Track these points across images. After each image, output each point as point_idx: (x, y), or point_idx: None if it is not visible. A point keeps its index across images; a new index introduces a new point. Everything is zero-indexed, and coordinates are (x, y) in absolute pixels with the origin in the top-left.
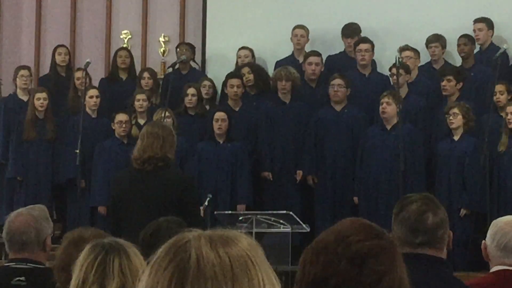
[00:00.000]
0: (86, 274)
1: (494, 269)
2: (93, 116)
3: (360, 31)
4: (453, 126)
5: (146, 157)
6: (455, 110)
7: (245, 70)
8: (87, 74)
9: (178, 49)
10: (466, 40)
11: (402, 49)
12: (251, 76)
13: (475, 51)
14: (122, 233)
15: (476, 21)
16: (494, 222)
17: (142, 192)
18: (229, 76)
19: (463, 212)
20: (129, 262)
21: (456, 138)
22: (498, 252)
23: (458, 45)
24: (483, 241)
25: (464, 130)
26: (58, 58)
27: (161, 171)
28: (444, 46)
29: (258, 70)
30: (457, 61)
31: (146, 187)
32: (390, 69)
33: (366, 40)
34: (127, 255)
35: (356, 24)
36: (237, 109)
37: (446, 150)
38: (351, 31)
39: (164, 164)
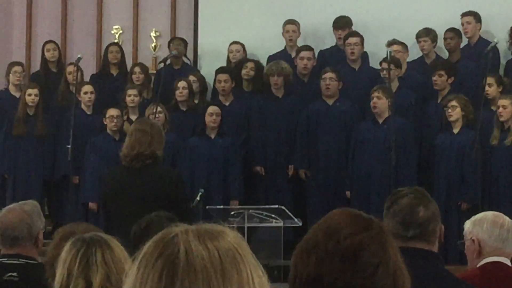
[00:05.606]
0: (70, 269)
1: (484, 261)
2: (88, 112)
3: (352, 24)
4: (452, 118)
5: (134, 154)
6: (454, 102)
7: (250, 64)
8: (78, 69)
9: (171, 44)
10: (453, 34)
11: (390, 43)
12: (252, 73)
13: (463, 45)
14: (114, 231)
15: (464, 14)
16: (479, 218)
17: (131, 190)
18: (217, 71)
19: (464, 206)
20: (111, 253)
21: (455, 131)
22: (500, 243)
23: (445, 39)
24: (475, 238)
25: (464, 123)
26: (47, 54)
27: (149, 168)
28: (434, 40)
29: (261, 69)
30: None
31: (135, 184)
32: (380, 64)
33: (355, 33)
34: (109, 246)
35: (347, 17)
36: (227, 104)
37: (445, 143)
38: (342, 23)
39: (153, 161)
